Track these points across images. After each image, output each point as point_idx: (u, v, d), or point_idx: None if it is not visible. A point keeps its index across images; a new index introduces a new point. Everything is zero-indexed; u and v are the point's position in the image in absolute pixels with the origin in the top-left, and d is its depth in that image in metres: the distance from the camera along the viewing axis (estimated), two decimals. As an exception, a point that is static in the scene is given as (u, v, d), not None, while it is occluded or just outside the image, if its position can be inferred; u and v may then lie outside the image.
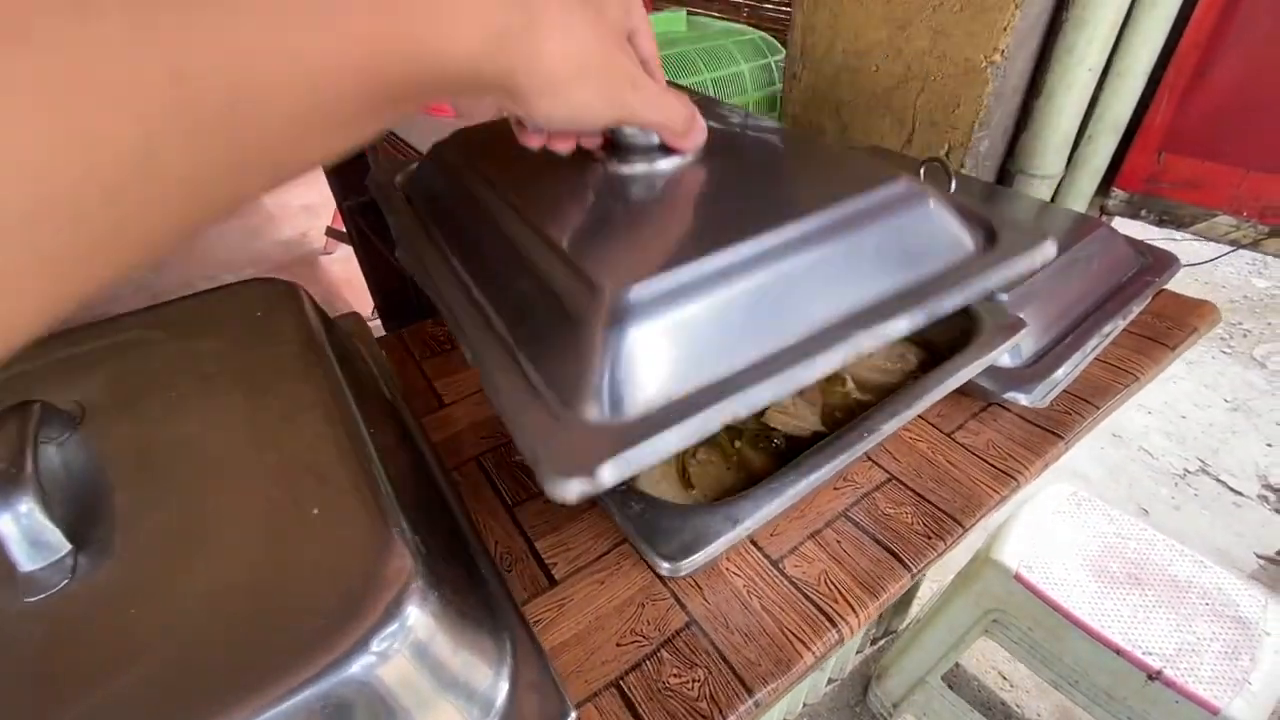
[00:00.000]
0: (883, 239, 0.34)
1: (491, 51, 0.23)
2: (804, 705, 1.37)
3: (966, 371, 0.38)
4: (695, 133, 0.35)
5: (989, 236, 0.36)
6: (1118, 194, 0.71)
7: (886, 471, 0.47)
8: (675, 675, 0.35)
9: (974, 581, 1.03)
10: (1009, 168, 0.74)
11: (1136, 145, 0.68)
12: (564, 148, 0.34)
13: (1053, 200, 0.75)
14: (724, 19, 1.21)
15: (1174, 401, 2.02)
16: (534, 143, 0.33)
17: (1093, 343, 0.49)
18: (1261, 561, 1.47)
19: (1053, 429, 0.49)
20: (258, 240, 2.85)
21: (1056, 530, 1.03)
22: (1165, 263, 0.58)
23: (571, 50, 0.26)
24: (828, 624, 0.37)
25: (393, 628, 0.23)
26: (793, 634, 0.37)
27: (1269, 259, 2.60)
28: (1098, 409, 0.51)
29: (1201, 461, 1.83)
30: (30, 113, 0.12)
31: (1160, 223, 0.70)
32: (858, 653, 1.42)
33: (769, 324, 0.30)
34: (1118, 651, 0.87)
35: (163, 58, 0.14)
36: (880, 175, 0.35)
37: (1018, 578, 0.96)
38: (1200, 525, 1.66)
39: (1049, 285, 0.51)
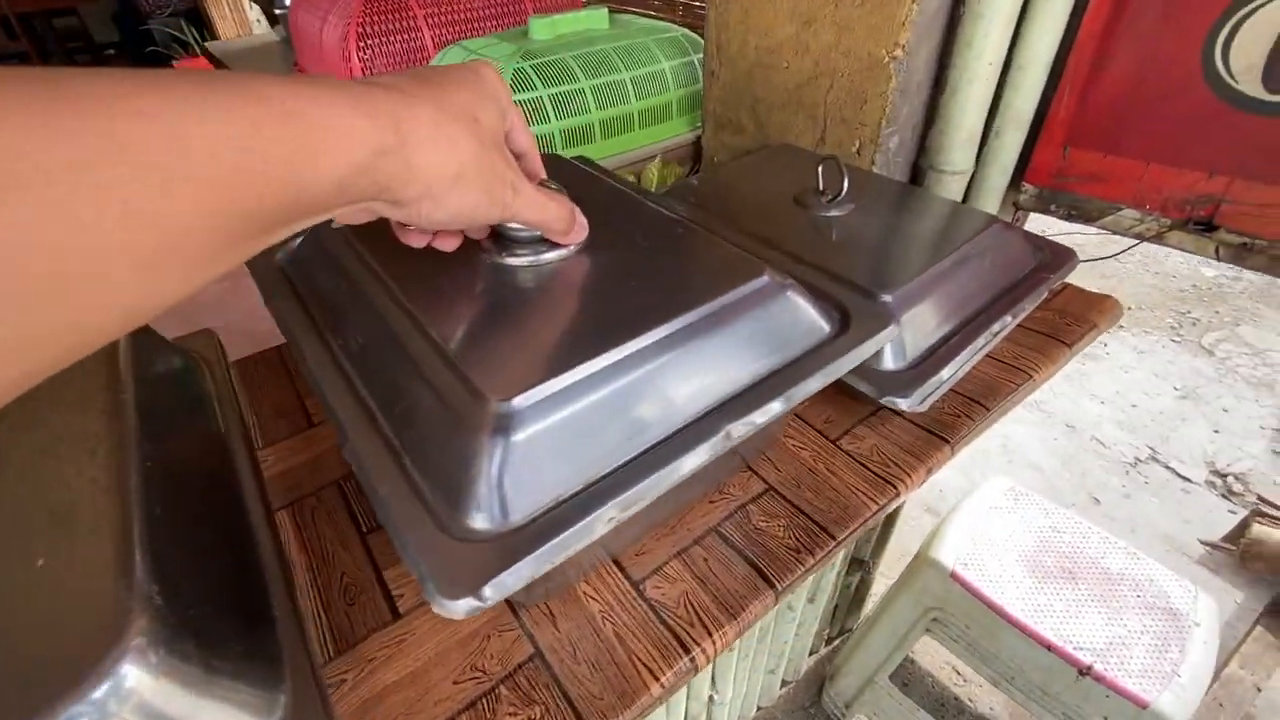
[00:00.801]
0: (748, 331, 0.36)
1: (362, 173, 0.23)
2: (759, 709, 1.35)
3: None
4: (576, 230, 0.37)
5: (843, 317, 0.40)
6: (1028, 189, 0.71)
7: (765, 482, 0.45)
8: (510, 714, 0.33)
9: (914, 580, 1.03)
10: (921, 164, 0.73)
11: (1042, 139, 0.68)
12: (449, 245, 0.34)
13: (965, 197, 0.74)
14: (658, 17, 1.19)
15: (1125, 391, 2.04)
16: (417, 242, 0.33)
17: (980, 342, 0.48)
18: (1207, 548, 1.49)
19: (940, 433, 0.48)
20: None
21: (994, 526, 1.02)
22: (1063, 258, 0.57)
23: (447, 160, 0.26)
24: (680, 651, 0.35)
25: (100, 692, 0.21)
26: (642, 663, 0.35)
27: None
28: (989, 410, 0.50)
29: (1151, 449, 1.85)
30: None
31: (1069, 217, 0.69)
32: (812, 654, 1.41)
33: (646, 420, 0.32)
34: (1049, 648, 0.87)
35: None
36: (745, 271, 0.38)
37: (954, 576, 0.95)
38: (1150, 513, 1.68)
39: (936, 285, 0.49)
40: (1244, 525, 1.40)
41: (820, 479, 0.45)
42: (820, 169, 0.59)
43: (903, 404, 0.44)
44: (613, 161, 0.92)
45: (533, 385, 0.30)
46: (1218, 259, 0.62)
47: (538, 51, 0.89)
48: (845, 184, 0.57)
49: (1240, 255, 0.61)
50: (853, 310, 0.40)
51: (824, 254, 0.52)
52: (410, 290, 0.37)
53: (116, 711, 0.21)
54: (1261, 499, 1.36)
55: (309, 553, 0.41)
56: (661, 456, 0.31)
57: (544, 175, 0.36)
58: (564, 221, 0.35)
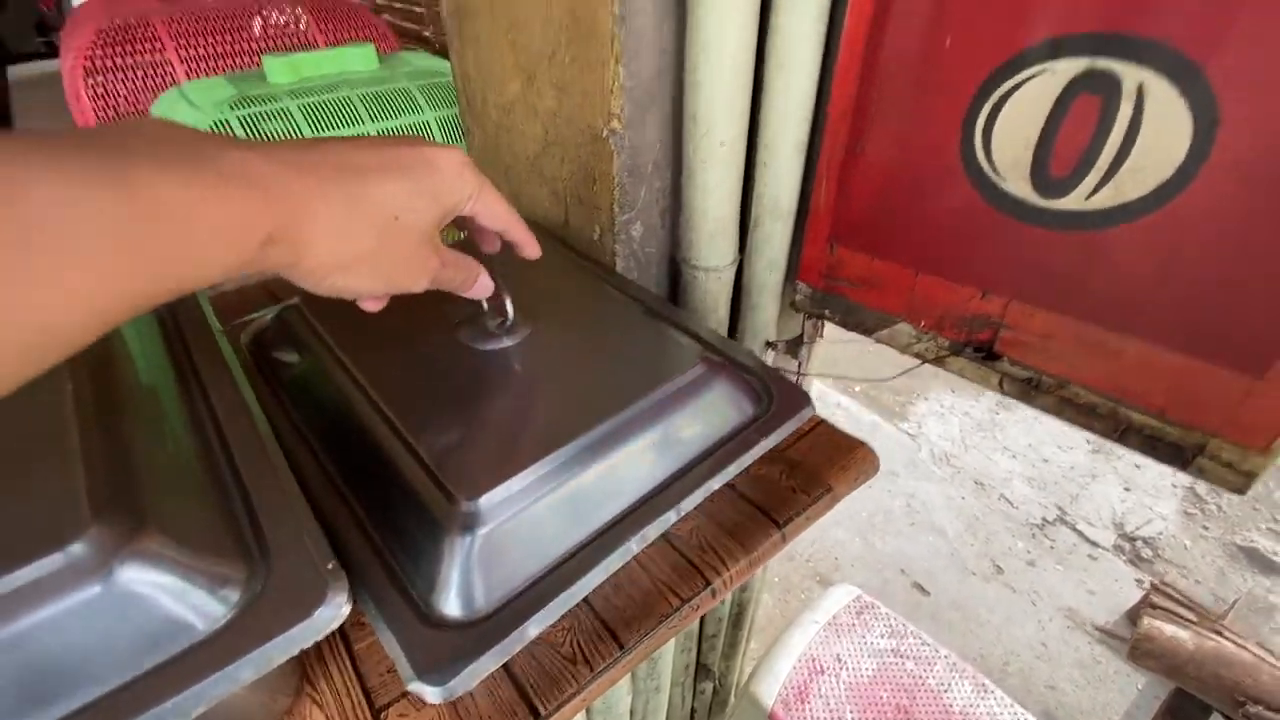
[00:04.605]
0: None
1: (250, 262, 0.23)
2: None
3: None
4: (477, 289, 0.38)
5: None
6: (802, 288, 0.58)
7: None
8: None
9: (738, 715, 0.89)
10: (676, 258, 0.59)
11: (808, 233, 0.55)
12: (370, 308, 0.34)
13: (735, 297, 0.61)
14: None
15: (1038, 444, 1.95)
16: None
17: (594, 575, 0.34)
18: (1100, 633, 1.38)
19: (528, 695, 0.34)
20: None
21: (830, 648, 0.89)
22: (791, 408, 0.43)
23: (336, 253, 0.26)
24: None
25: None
26: None
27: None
28: (623, 648, 0.35)
29: (1060, 510, 1.76)
30: None
31: (845, 324, 0.56)
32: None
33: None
34: (869, 817, 0.73)
35: None
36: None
37: (772, 718, 0.82)
38: (1053, 582, 1.57)
39: (550, 484, 0.35)
40: (1138, 611, 1.29)
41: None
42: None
43: (431, 695, 0.29)
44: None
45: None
46: (1003, 393, 0.50)
47: (262, 98, 0.74)
48: (510, 309, 0.44)
49: (1026, 392, 0.48)
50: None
51: (428, 425, 0.38)
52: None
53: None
54: (1156, 586, 1.26)
55: None
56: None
57: (492, 250, 0.39)
58: (462, 285, 0.36)
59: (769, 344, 0.65)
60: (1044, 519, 1.74)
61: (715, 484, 0.38)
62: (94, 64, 0.88)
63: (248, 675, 0.22)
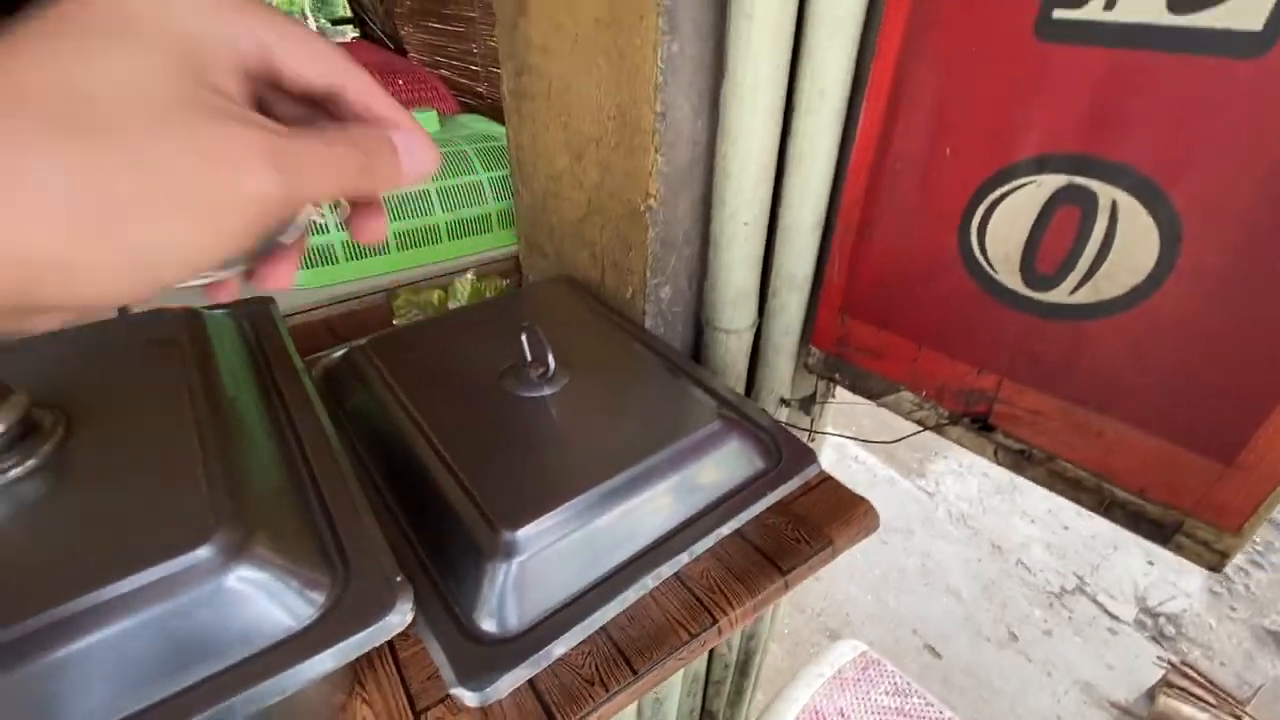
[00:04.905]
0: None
1: None
2: None
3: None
4: (413, 163, 0.21)
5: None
6: (815, 352, 0.63)
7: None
8: None
9: (741, 761, 0.90)
10: (701, 319, 0.65)
11: (821, 303, 0.60)
12: (221, 295, 0.21)
13: (754, 356, 0.66)
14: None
15: (1058, 510, 1.93)
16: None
17: (613, 605, 0.38)
18: (1116, 711, 1.35)
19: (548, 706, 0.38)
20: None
21: (833, 702, 0.90)
22: (797, 465, 0.48)
23: (24, 213, 0.13)
24: None
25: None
26: None
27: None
28: (636, 674, 0.40)
29: (1080, 579, 1.73)
30: None
31: (853, 389, 0.61)
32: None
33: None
34: None
35: None
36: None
37: (774, 768, 0.83)
38: (1070, 654, 1.54)
39: (582, 519, 0.40)
40: (1156, 690, 1.27)
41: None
42: (524, 338, 0.51)
43: (470, 700, 0.34)
44: (413, 274, 0.85)
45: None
46: (998, 463, 0.54)
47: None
48: (551, 361, 0.49)
49: (1019, 463, 0.52)
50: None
51: (475, 462, 0.43)
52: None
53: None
54: (1174, 665, 1.24)
55: None
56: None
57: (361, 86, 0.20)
58: (358, 173, 0.19)
59: (783, 400, 0.69)
60: (1062, 588, 1.71)
61: (725, 531, 0.42)
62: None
63: (329, 666, 0.28)
